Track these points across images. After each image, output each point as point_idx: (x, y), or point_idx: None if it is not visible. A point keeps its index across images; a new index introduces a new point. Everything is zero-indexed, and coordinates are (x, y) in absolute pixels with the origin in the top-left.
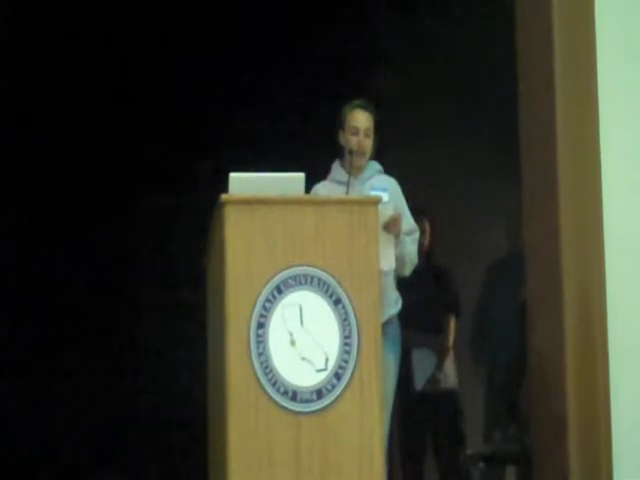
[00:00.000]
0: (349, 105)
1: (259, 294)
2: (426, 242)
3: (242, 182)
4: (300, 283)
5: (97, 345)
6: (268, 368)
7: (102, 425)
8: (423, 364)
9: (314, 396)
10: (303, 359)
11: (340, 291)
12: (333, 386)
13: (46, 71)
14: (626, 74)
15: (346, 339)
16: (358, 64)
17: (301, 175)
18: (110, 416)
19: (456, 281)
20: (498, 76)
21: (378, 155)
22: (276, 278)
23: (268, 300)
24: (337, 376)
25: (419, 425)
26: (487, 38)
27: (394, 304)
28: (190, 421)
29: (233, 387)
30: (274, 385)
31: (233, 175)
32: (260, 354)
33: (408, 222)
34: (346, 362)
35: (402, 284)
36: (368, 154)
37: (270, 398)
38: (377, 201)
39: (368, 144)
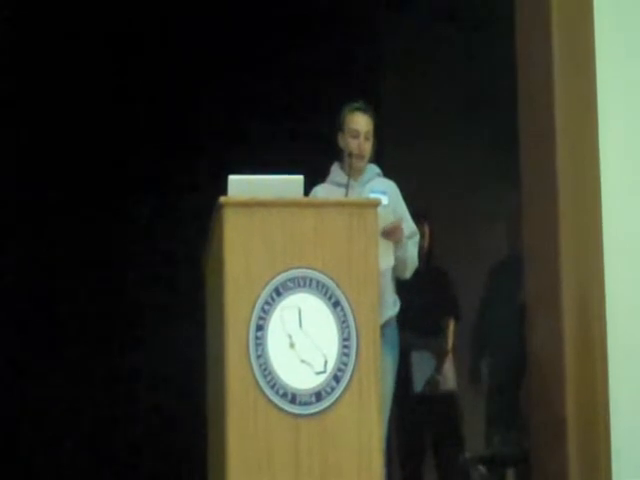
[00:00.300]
0: (349, 108)
1: (258, 296)
2: (426, 245)
3: (241, 184)
4: (299, 285)
5: (97, 345)
6: (267, 370)
7: (101, 425)
8: (422, 366)
9: (313, 399)
10: (302, 361)
11: (339, 293)
12: (332, 388)
13: (46, 71)
14: (625, 74)
15: (345, 341)
16: (358, 65)
17: (300, 177)
18: (109, 416)
19: (456, 283)
20: (498, 77)
21: (377, 156)
22: (275, 280)
23: (267, 302)
24: (336, 378)
25: (418, 427)
26: (488, 38)
27: (392, 306)
28: (189, 422)
29: (232, 389)
30: (273, 387)
31: (232, 177)
32: (259, 356)
33: (408, 225)
34: (345, 364)
35: (402, 286)
36: (367, 157)
37: (269, 400)
38: (376, 204)
39: (368, 147)
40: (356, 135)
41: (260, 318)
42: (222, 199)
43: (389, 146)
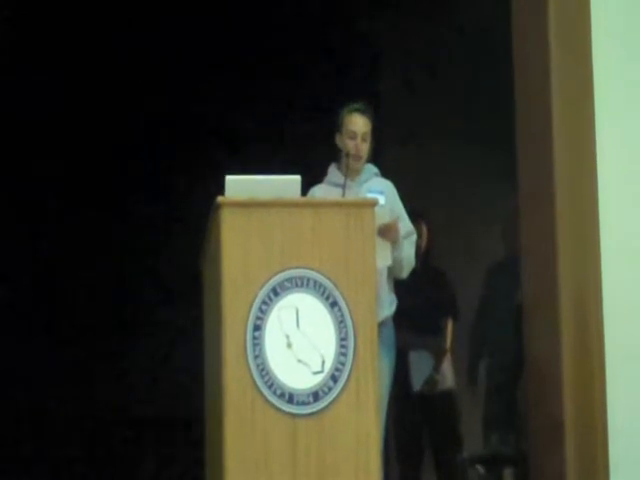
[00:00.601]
0: (347, 109)
1: (255, 296)
2: (423, 244)
3: (238, 184)
4: (296, 285)
5: (94, 345)
6: (264, 370)
7: (101, 425)
8: (421, 366)
9: (310, 398)
10: (299, 361)
11: (336, 293)
12: (329, 388)
13: (46, 71)
14: (623, 74)
15: (342, 341)
16: (357, 65)
17: (297, 177)
18: (108, 416)
19: (454, 283)
20: (497, 77)
21: (376, 156)
22: (272, 280)
23: (264, 302)
24: (333, 378)
25: (416, 427)
26: (487, 39)
27: (388, 306)
28: (187, 422)
29: (229, 389)
30: (270, 387)
31: (229, 177)
32: (256, 356)
33: (405, 225)
34: (342, 364)
35: (399, 286)
36: (365, 158)
37: (266, 400)
38: (374, 203)
39: (365, 148)
40: (353, 136)
41: (257, 318)
42: (219, 199)
43: (388, 146)
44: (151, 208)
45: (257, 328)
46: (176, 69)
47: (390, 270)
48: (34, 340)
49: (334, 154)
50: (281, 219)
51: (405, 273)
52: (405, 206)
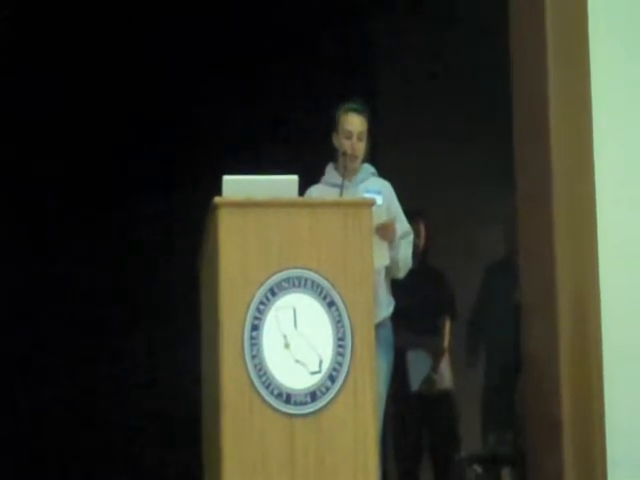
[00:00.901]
0: (343, 108)
1: (253, 296)
2: (421, 244)
3: (236, 185)
4: (294, 285)
5: (93, 345)
6: (262, 371)
7: (99, 425)
8: (419, 365)
9: (308, 398)
10: (297, 361)
11: (334, 293)
12: (327, 388)
13: (46, 71)
14: (620, 75)
15: (340, 341)
16: (357, 65)
17: (294, 177)
18: (106, 416)
19: (452, 283)
20: (498, 77)
21: (374, 155)
22: (270, 280)
23: (262, 302)
24: (331, 378)
25: (414, 426)
26: (487, 39)
27: (386, 307)
28: (184, 422)
29: (227, 389)
30: (268, 387)
31: (227, 178)
32: (254, 356)
33: (402, 225)
34: (340, 364)
35: (397, 285)
36: (361, 157)
37: (264, 401)
38: (371, 203)
39: (361, 148)
40: (349, 136)
41: (255, 318)
42: (217, 199)
43: (386, 145)
44: (151, 208)
45: (255, 328)
46: (176, 69)
47: (387, 270)
48: (34, 340)
49: (332, 154)
50: (278, 219)
51: (402, 273)
52: (403, 206)
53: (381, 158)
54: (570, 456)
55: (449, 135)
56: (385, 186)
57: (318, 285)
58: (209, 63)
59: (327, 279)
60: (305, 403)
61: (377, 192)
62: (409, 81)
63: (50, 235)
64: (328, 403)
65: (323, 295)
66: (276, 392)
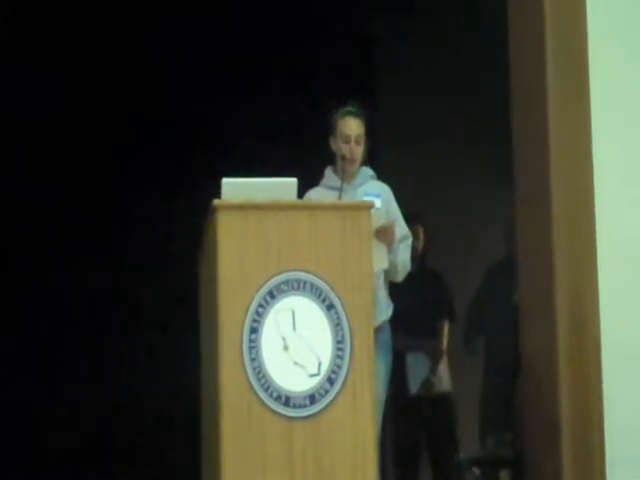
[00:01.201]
0: (340, 112)
1: (252, 299)
2: (420, 246)
3: (235, 187)
4: (293, 288)
5: (93, 345)
6: (261, 373)
7: (98, 425)
8: (417, 368)
9: (307, 401)
10: (296, 364)
11: (333, 296)
12: (326, 391)
13: (45, 71)
14: (619, 76)
15: (339, 344)
16: (357, 65)
17: (294, 180)
18: (105, 416)
19: (450, 285)
20: (498, 77)
21: (373, 158)
22: (269, 283)
23: (261, 305)
24: (330, 381)
25: (413, 429)
26: (487, 39)
27: (385, 310)
28: (183, 425)
29: (226, 392)
30: (267, 390)
31: (226, 180)
32: (253, 359)
33: (401, 228)
34: (339, 367)
35: (397, 288)
36: (359, 161)
37: (263, 403)
38: (370, 206)
39: (359, 151)
40: (347, 140)
41: (254, 321)
42: (216, 202)
43: (387, 147)
44: (151, 208)
45: (254, 331)
46: (176, 69)
47: (386, 274)
48: (33, 340)
49: (332, 156)
50: (277, 222)
51: (401, 276)
52: (402, 209)
53: (381, 160)
54: (569, 457)
55: (449, 136)
56: (384, 189)
57: (317, 288)
58: (209, 63)
59: (326, 282)
60: (304, 406)
61: (376, 195)
62: (409, 81)
63: (50, 235)
64: (327, 406)
65: (322, 298)
66: (275, 394)
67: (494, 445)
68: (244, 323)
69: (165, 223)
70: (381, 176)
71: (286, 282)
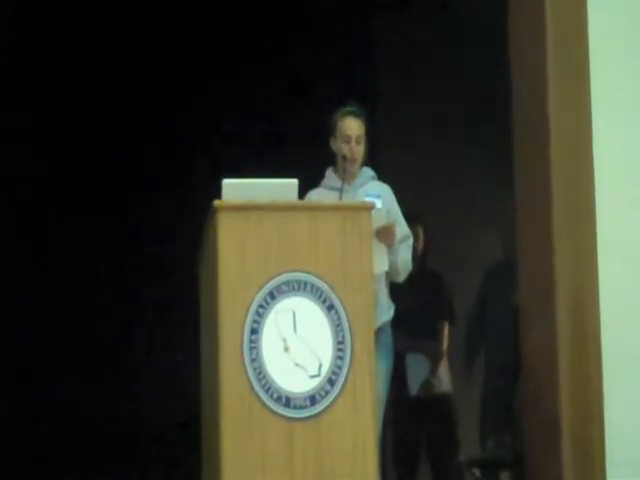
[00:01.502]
0: (340, 112)
1: (252, 300)
2: (420, 247)
3: (235, 188)
4: (293, 289)
5: (93, 345)
6: (261, 374)
7: (98, 426)
8: (417, 369)
9: (307, 402)
10: (296, 365)
11: (333, 297)
12: (326, 392)
13: (45, 71)
14: (620, 76)
15: (339, 345)
16: (357, 65)
17: (294, 181)
18: (105, 417)
19: (451, 286)
20: (498, 78)
21: (373, 158)
22: (269, 284)
23: (261, 306)
24: (330, 382)
25: (413, 430)
26: (488, 39)
27: (386, 311)
28: (183, 425)
29: (226, 393)
30: (267, 391)
31: (226, 181)
32: (253, 360)
33: (402, 228)
34: (339, 368)
35: (397, 289)
36: (360, 161)
37: (263, 404)
38: (370, 207)
39: (360, 151)
40: (348, 140)
41: (254, 322)
42: (216, 203)
43: (386, 147)
44: (151, 209)
45: (254, 332)
46: (176, 69)
47: (387, 274)
48: (33, 339)
49: (332, 157)
50: (278, 223)
51: (402, 277)
52: (402, 209)
53: (380, 160)
54: (569, 459)
55: (449, 136)
56: (385, 190)
57: (317, 289)
58: (209, 63)
59: (326, 282)
60: (304, 407)
61: (377, 196)
62: (409, 81)
63: (50, 235)
64: (327, 407)
65: (323, 299)
66: (275, 395)
67: (494, 446)
68: (244, 324)
69: (166, 222)
70: (381, 176)
71: (286, 283)
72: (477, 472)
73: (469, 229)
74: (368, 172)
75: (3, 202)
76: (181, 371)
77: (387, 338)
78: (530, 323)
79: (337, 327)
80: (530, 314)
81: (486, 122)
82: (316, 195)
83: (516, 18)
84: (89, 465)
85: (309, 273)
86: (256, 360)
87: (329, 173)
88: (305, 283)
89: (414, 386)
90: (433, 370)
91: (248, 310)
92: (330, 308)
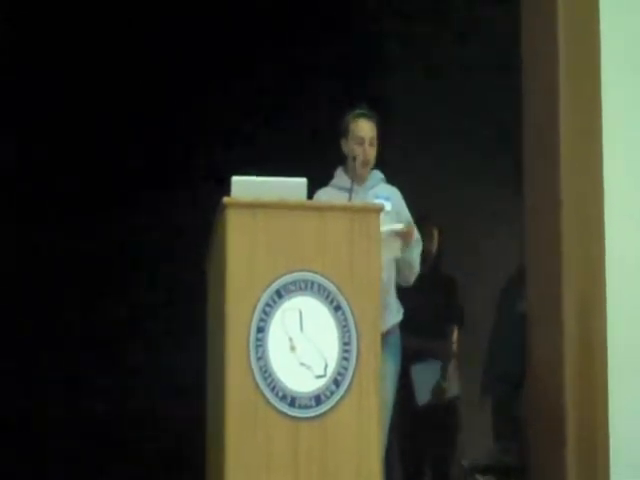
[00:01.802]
0: (352, 114)
1: (259, 298)
2: (433, 249)
3: (244, 186)
4: (300, 288)
5: (95, 345)
6: (267, 373)
7: (98, 426)
8: (425, 377)
9: (313, 402)
10: (302, 365)
11: (340, 298)
12: (332, 392)
13: (45, 71)
14: (632, 90)
15: (345, 346)
16: (359, 66)
17: (303, 180)
18: (106, 417)
19: (462, 290)
20: (499, 78)
21: (381, 160)
22: (277, 283)
23: (268, 305)
24: (336, 382)
25: (418, 432)
26: (488, 39)
27: (396, 313)
28: (189, 424)
29: (232, 391)
30: (273, 390)
31: (235, 178)
32: (259, 358)
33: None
34: (345, 369)
35: (408, 290)
36: (372, 163)
37: (269, 403)
38: (379, 209)
39: (372, 153)
40: (361, 142)
41: (261, 320)
42: (225, 199)
43: (386, 147)
44: (151, 209)
45: (260, 330)
46: (176, 69)
47: (396, 277)
48: (33, 339)
49: (337, 156)
50: (286, 221)
51: (411, 280)
52: (413, 212)
53: (386, 163)
54: (574, 466)
55: (454, 137)
56: (394, 192)
57: (325, 289)
58: (209, 63)
59: (334, 283)
60: (310, 407)
61: (386, 198)
62: (409, 82)
63: (50, 235)
64: (333, 407)
65: (330, 299)
66: (281, 394)
67: (499, 453)
68: (251, 322)
69: (166, 222)
70: (387, 178)
71: (294, 282)
72: (481, 478)
73: (469, 228)
74: (378, 174)
75: (3, 202)
76: (186, 369)
77: (396, 340)
78: (537, 331)
79: (344, 328)
80: (537, 322)
81: (488, 122)
82: (325, 195)
83: (529, 19)
84: (89, 465)
85: (316, 273)
86: (262, 359)
87: (339, 172)
88: (312, 283)
89: (422, 392)
90: (444, 373)
91: (255, 308)
92: (337, 309)
